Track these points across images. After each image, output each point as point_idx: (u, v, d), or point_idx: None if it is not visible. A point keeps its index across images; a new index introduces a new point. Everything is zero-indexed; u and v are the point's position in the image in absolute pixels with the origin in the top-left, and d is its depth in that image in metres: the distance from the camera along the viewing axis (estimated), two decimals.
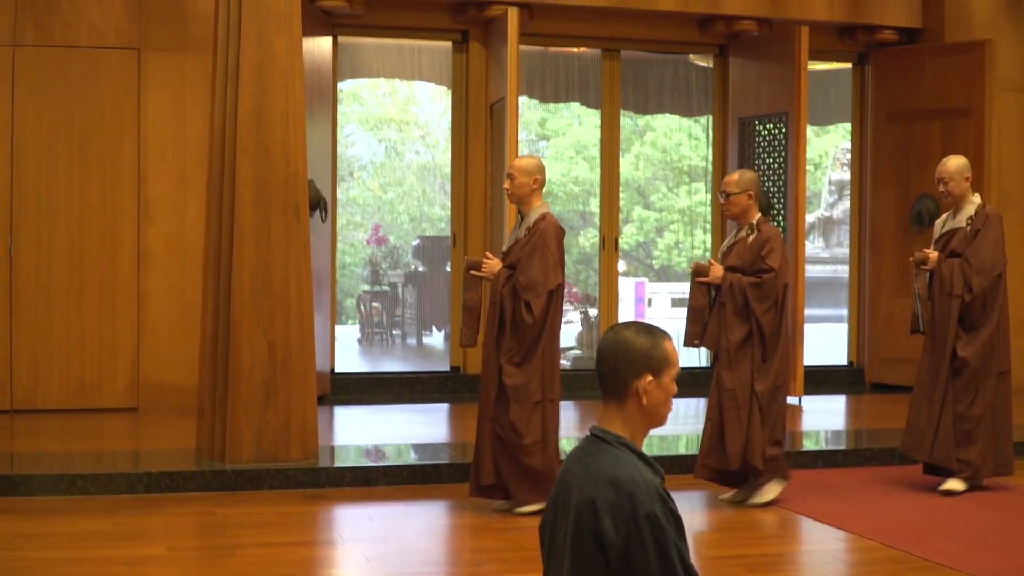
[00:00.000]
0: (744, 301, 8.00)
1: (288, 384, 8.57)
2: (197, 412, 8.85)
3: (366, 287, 20.78)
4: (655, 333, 3.40)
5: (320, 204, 11.13)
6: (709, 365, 8.32)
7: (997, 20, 12.74)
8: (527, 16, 11.86)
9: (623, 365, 3.37)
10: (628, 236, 27.25)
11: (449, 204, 13.09)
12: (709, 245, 14.01)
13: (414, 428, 10.42)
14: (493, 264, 7.87)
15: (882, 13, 12.70)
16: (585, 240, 27.18)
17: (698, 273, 8.19)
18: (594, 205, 25.63)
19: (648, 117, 25.25)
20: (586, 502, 3.27)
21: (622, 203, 15.48)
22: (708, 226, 14.43)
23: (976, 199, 8.44)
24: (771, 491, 8.12)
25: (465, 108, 12.38)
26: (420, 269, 19.91)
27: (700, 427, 8.71)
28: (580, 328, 14.46)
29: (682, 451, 9.34)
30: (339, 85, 12.87)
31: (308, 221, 8.83)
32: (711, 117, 13.58)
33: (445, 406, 11.84)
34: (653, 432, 3.46)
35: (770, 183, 12.44)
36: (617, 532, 3.22)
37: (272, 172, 8.54)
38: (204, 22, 10.67)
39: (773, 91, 12.29)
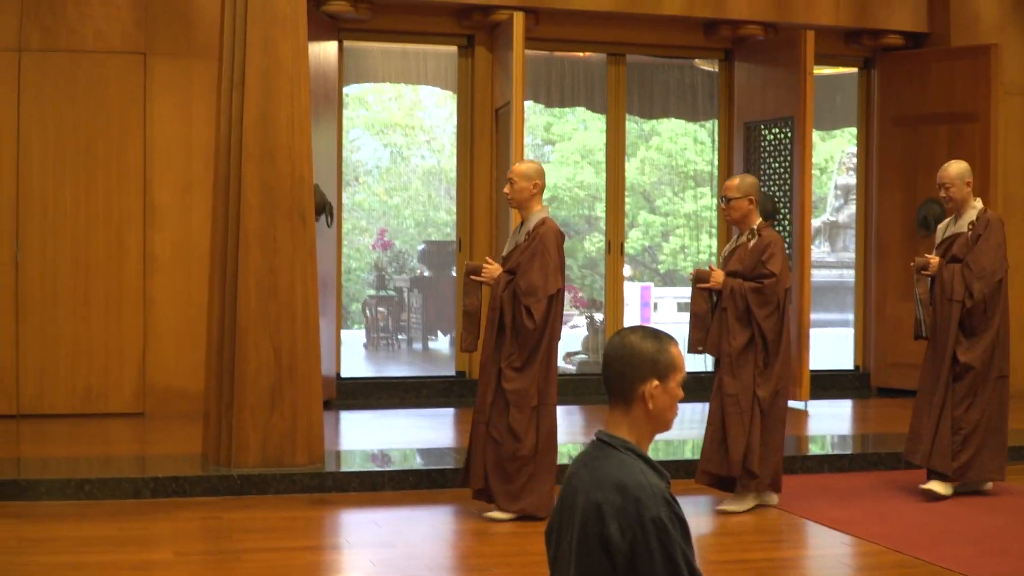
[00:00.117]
0: (745, 306, 7.99)
1: (294, 389, 8.57)
2: (203, 417, 8.86)
3: (372, 292, 20.80)
4: (661, 338, 3.40)
5: (326, 209, 11.14)
6: (714, 370, 8.31)
7: (1003, 24, 12.73)
8: (532, 21, 11.87)
9: (629, 370, 3.37)
10: (634, 241, 27.25)
11: (454, 209, 13.09)
12: (715, 249, 14.02)
13: (420, 433, 10.42)
14: (493, 269, 7.87)
15: (888, 17, 12.70)
16: (591, 244, 27.19)
17: (699, 279, 8.18)
18: (600, 210, 25.63)
19: (653, 121, 25.27)
20: (592, 507, 3.27)
21: (628, 208, 15.48)
22: (713, 230, 14.45)
23: (978, 204, 8.43)
24: (751, 501, 8.10)
25: (470, 113, 12.38)
26: (426, 274, 19.91)
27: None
28: (586, 333, 14.46)
29: (688, 456, 9.33)
30: (345, 90, 12.87)
31: (314, 226, 8.84)
32: (716, 121, 13.58)
33: (451, 411, 11.84)
34: (659, 436, 3.45)
35: (776, 187, 12.43)
36: (623, 537, 3.22)
37: (278, 177, 8.55)
38: (210, 27, 10.67)
39: (779, 95, 12.28)
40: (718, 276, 8.10)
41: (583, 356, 13.90)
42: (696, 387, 11.30)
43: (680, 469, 8.82)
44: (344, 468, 8.76)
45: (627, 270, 19.70)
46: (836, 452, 9.79)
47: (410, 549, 7.21)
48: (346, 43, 12.24)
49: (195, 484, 8.33)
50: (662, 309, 25.92)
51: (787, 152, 12.32)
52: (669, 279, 28.75)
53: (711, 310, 8.16)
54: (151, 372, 11.02)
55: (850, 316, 14.50)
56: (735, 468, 7.93)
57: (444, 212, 27.57)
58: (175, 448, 9.44)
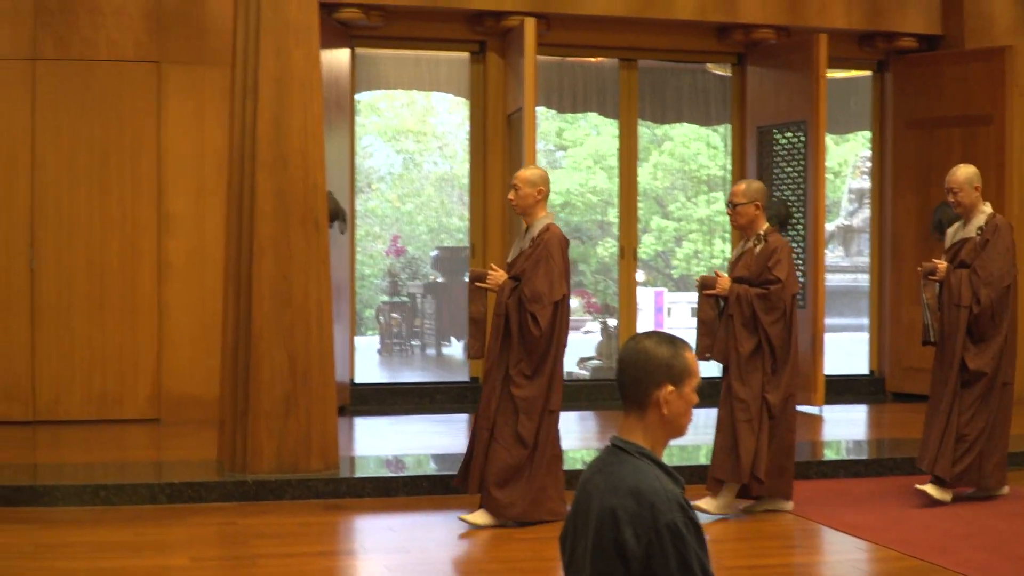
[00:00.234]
0: (752, 312, 7.96)
1: (308, 395, 8.58)
2: (218, 423, 8.88)
3: (385, 298, 20.82)
4: (676, 343, 3.40)
5: (339, 215, 11.15)
6: (722, 376, 8.29)
7: (1017, 27, 12.69)
8: (544, 26, 11.87)
9: (644, 375, 3.36)
10: (647, 246, 27.23)
11: (467, 215, 13.10)
12: (728, 254, 14.00)
13: (433, 438, 10.43)
14: (498, 275, 7.86)
15: (902, 20, 12.67)
16: (604, 250, 27.17)
17: (705, 286, 8.17)
18: (612, 215, 25.62)
19: (666, 126, 25.26)
20: (607, 512, 3.27)
21: (640, 213, 15.49)
22: (727, 235, 14.43)
23: (987, 208, 8.38)
24: (726, 508, 8.07)
25: (483, 119, 12.39)
26: (439, 280, 19.92)
27: None
28: (599, 338, 14.45)
29: (702, 461, 9.31)
30: (357, 97, 12.89)
31: (327, 233, 8.85)
32: (729, 126, 13.56)
33: (464, 416, 11.83)
34: (673, 442, 3.45)
35: (789, 192, 12.42)
36: (638, 542, 3.22)
37: (291, 184, 8.56)
38: (223, 35, 10.69)
39: (792, 99, 12.27)
40: (724, 283, 8.08)
41: (597, 361, 13.89)
42: (711, 392, 11.21)
43: (695, 474, 8.80)
44: (358, 474, 8.77)
45: (640, 275, 19.71)
46: (851, 457, 9.77)
47: (424, 554, 7.21)
48: (358, 50, 12.26)
49: (210, 490, 8.35)
50: (675, 314, 25.88)
51: (801, 156, 12.31)
52: (682, 284, 28.72)
53: (718, 316, 8.15)
54: (166, 379, 11.04)
55: (865, 321, 14.49)
56: (745, 475, 7.91)
57: (457, 218, 27.58)
58: (190, 454, 9.45)
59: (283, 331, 8.52)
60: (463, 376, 13.30)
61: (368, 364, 16.70)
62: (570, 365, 13.86)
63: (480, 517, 7.74)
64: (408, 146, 28.83)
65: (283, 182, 8.55)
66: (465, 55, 12.55)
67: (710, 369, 13.20)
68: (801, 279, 12.17)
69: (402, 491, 8.63)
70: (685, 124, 19.58)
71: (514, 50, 11.81)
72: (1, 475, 8.56)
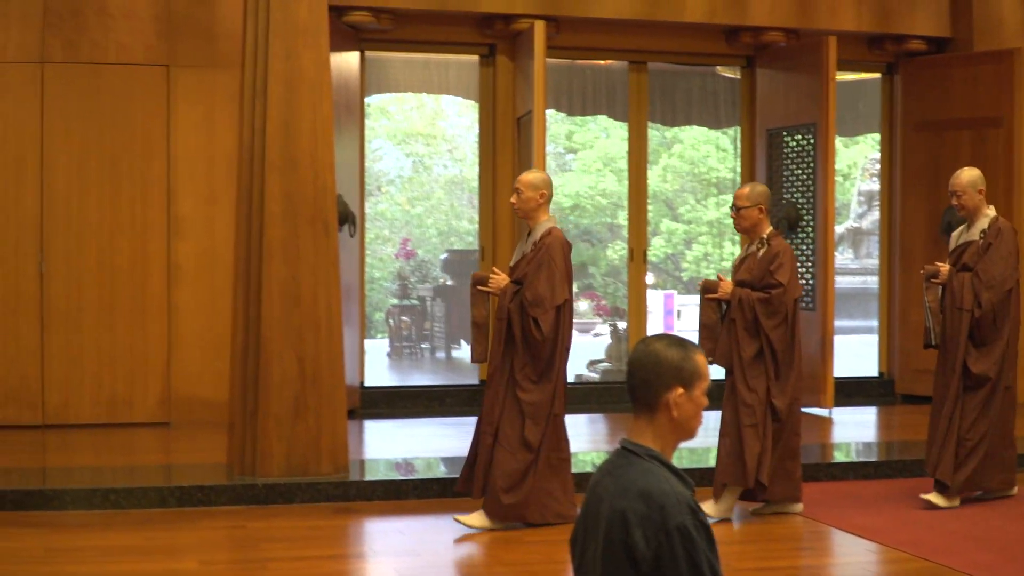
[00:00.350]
0: (753, 317, 7.94)
1: (318, 398, 8.59)
2: (228, 426, 8.88)
3: (395, 301, 20.83)
4: (686, 346, 3.40)
5: (348, 218, 11.16)
6: (725, 379, 8.26)
7: None
8: (554, 29, 11.87)
9: (654, 378, 3.36)
10: (656, 248, 27.21)
11: (477, 218, 13.10)
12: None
13: (443, 441, 10.42)
14: (500, 279, 7.85)
15: (911, 23, 12.66)
16: (613, 253, 27.16)
17: (707, 290, 8.16)
18: (622, 217, 25.61)
19: (676, 129, 25.22)
20: (617, 515, 3.27)
21: (650, 215, 15.46)
22: (736, 238, 14.43)
23: (990, 212, 8.35)
24: (727, 512, 8.06)
25: (492, 121, 12.39)
26: (449, 283, 19.93)
27: None
28: (609, 341, 14.44)
29: (712, 464, 9.28)
30: (367, 100, 12.90)
31: (337, 235, 8.86)
32: (739, 128, 13.56)
33: (474, 419, 11.75)
34: (683, 444, 3.45)
35: (799, 194, 12.41)
36: (648, 545, 3.22)
37: (301, 187, 8.57)
38: (232, 38, 10.70)
39: (801, 102, 12.26)
40: (727, 287, 8.06)
41: (606, 364, 13.88)
42: (717, 395, 11.25)
43: (704, 477, 8.79)
44: (368, 477, 8.77)
45: (650, 278, 19.68)
46: (861, 459, 9.75)
47: (435, 557, 7.21)
48: (368, 53, 12.27)
49: (220, 493, 8.35)
50: (685, 317, 25.85)
51: (810, 159, 12.29)
52: (692, 287, 28.67)
53: (720, 320, 8.13)
54: (176, 382, 11.05)
55: (874, 323, 14.46)
56: (750, 480, 7.89)
57: (467, 221, 27.58)
58: (200, 457, 9.46)
59: (292, 334, 8.53)
60: (473, 379, 13.30)
61: (378, 367, 16.70)
62: (580, 368, 13.86)
63: (478, 519, 7.74)
64: (418, 149, 28.84)
65: (292, 184, 8.55)
66: (475, 58, 12.55)
67: (715, 371, 13.21)
68: (810, 281, 12.17)
69: (412, 494, 8.63)
70: (695, 127, 19.59)
71: (523, 53, 11.81)
72: (11, 479, 8.58)
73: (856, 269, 26.63)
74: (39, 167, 10.78)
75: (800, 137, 12.40)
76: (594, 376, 13.70)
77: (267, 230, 8.52)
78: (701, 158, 27.48)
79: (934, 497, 8.26)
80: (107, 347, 10.92)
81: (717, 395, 8.13)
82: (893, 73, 13.23)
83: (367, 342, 13.13)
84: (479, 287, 7.95)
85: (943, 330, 8.35)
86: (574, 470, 8.03)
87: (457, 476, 8.65)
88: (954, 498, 8.26)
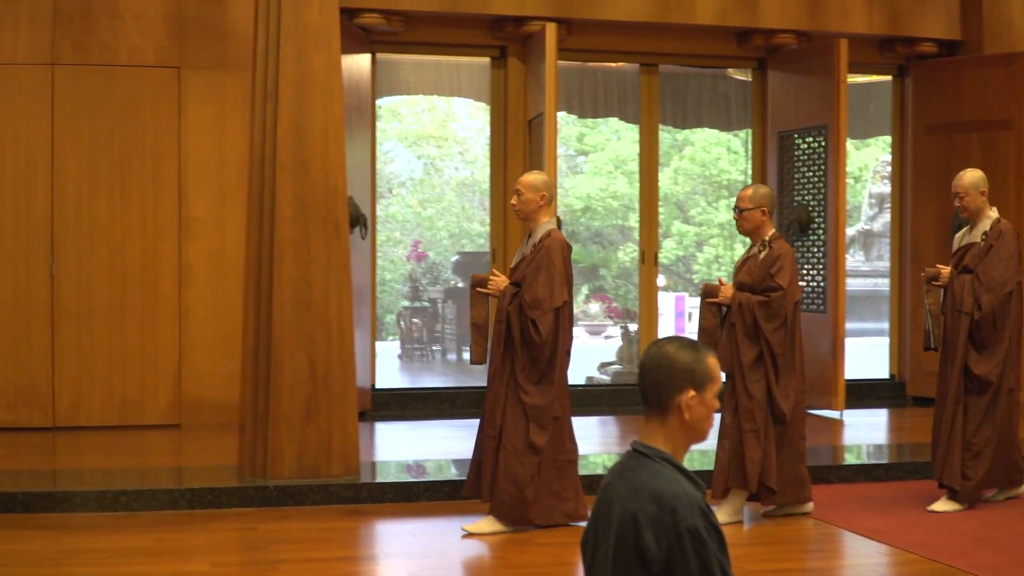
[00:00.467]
0: (753, 321, 7.92)
1: (329, 400, 8.59)
2: (239, 428, 8.89)
3: (406, 303, 20.82)
4: (698, 348, 3.40)
5: (360, 220, 11.17)
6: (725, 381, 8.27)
7: None
8: (565, 32, 11.87)
9: (665, 380, 3.36)
10: (668, 251, 27.19)
11: (488, 220, 13.11)
12: None
13: (455, 443, 10.42)
14: (499, 281, 7.85)
15: (922, 26, 12.65)
16: (624, 255, 27.14)
17: (707, 293, 8.14)
18: (633, 220, 25.60)
19: (687, 131, 25.22)
20: (628, 517, 3.27)
21: (661, 218, 15.48)
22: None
23: (992, 213, 8.32)
24: (732, 515, 8.03)
25: (504, 124, 12.39)
26: (460, 285, 19.92)
27: None
28: (620, 343, 14.43)
29: None
30: (378, 102, 12.91)
31: (348, 237, 8.87)
32: (750, 131, 13.55)
33: None
34: (693, 447, 3.44)
35: (810, 197, 12.40)
36: (659, 547, 3.22)
37: (312, 189, 8.58)
38: (243, 40, 10.72)
39: (812, 104, 12.25)
40: (727, 291, 8.05)
41: (617, 366, 13.87)
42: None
43: None
44: (379, 479, 8.77)
45: (661, 280, 19.65)
46: (872, 462, 9.73)
47: (446, 560, 7.21)
48: (379, 55, 12.27)
49: (231, 495, 8.36)
50: (696, 319, 25.85)
51: (821, 161, 12.28)
52: None
53: (720, 324, 8.12)
54: (186, 384, 11.06)
55: (885, 325, 14.44)
56: (752, 485, 7.88)
57: (478, 223, 27.59)
58: (211, 459, 9.47)
59: (304, 336, 8.53)
60: (483, 381, 13.25)
61: (389, 369, 16.70)
62: (591, 370, 13.86)
63: (487, 525, 7.73)
64: (429, 151, 28.84)
65: (303, 186, 8.56)
66: (486, 60, 12.56)
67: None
68: (821, 284, 12.17)
69: (423, 496, 8.63)
70: (706, 129, 19.57)
71: (535, 55, 11.81)
72: (21, 481, 8.59)
73: (867, 271, 26.58)
74: (50, 169, 10.79)
75: (811, 139, 12.39)
76: (605, 378, 13.69)
77: (278, 232, 8.53)
78: (712, 160, 27.46)
79: (940, 505, 8.24)
80: (117, 349, 10.94)
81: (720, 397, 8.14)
82: (904, 76, 13.21)
83: (378, 344, 13.14)
84: (479, 288, 7.96)
85: (944, 333, 8.34)
86: (585, 472, 8.03)
87: None
88: (962, 502, 8.24)
